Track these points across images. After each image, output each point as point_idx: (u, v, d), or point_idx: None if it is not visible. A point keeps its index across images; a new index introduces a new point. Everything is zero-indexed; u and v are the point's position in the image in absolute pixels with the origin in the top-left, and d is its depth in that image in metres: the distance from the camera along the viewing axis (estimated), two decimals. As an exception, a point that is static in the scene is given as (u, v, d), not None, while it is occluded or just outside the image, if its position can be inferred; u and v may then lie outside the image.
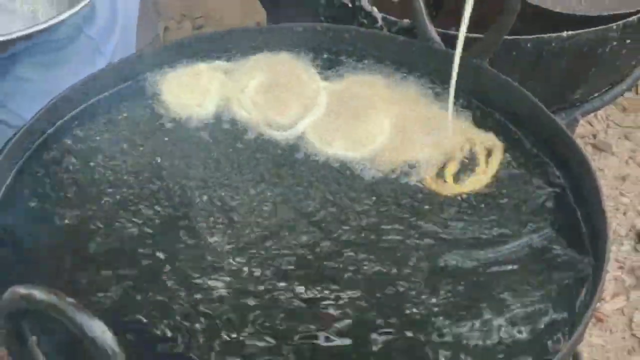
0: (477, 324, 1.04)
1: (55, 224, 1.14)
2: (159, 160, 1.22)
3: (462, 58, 1.30)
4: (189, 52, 1.37)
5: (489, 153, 1.25)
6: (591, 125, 2.43)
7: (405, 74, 1.36)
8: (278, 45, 1.39)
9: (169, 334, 1.02)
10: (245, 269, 1.08)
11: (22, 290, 0.82)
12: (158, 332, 1.01)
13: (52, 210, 1.15)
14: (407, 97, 1.33)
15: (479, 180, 1.22)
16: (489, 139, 1.27)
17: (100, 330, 0.80)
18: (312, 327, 1.02)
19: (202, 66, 1.36)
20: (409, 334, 1.03)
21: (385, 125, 1.29)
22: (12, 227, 1.13)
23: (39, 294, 0.82)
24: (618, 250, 2.09)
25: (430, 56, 1.36)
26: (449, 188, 1.21)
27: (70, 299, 0.81)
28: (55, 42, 1.65)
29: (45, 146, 1.23)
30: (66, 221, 1.14)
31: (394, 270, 1.08)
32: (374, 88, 1.34)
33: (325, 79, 1.36)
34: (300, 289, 1.06)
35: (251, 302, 1.04)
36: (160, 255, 1.10)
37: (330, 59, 1.39)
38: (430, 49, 1.36)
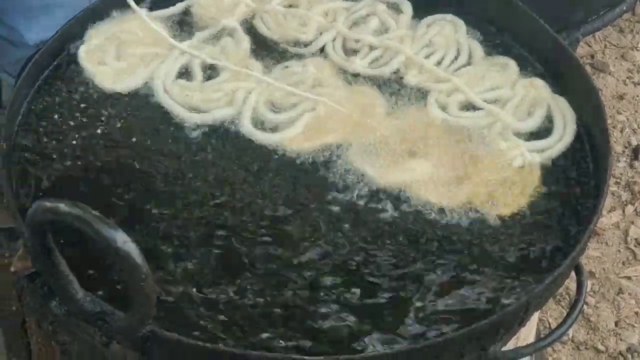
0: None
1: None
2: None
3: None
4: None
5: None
6: (589, 46, 2.43)
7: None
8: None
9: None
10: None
11: (47, 203, 0.83)
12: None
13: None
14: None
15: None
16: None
17: (122, 241, 0.81)
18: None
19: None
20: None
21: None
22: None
23: (64, 206, 0.82)
24: (615, 167, 2.11)
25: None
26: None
27: (94, 211, 0.81)
28: None
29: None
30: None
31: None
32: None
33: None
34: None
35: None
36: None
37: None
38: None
